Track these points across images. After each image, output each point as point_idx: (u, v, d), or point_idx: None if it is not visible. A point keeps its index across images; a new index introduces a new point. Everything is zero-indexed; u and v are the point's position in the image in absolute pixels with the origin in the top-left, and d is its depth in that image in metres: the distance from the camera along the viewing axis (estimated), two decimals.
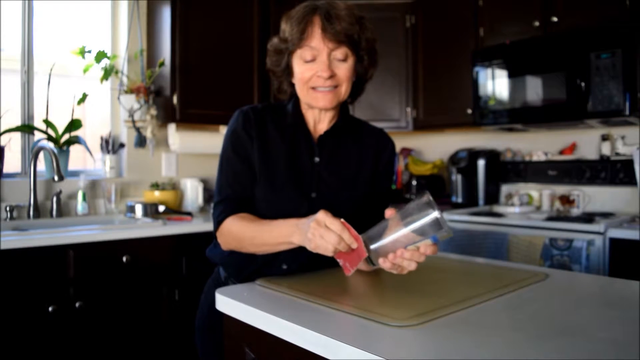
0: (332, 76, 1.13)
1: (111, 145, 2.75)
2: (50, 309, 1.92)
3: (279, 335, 0.88)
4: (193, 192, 2.89)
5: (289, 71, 1.20)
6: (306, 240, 0.98)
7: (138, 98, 2.66)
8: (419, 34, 3.14)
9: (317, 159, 1.21)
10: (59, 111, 2.62)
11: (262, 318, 0.92)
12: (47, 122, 2.52)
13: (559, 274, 1.21)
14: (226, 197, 1.18)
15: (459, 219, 2.62)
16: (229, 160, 1.20)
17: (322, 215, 0.95)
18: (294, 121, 1.22)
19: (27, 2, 2.53)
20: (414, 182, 3.27)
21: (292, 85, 1.23)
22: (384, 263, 0.94)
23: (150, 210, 2.55)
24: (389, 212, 0.94)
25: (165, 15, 2.71)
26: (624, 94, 2.22)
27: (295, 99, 1.24)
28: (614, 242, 2.11)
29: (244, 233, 1.13)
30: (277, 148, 1.20)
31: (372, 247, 0.94)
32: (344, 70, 1.14)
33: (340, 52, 1.12)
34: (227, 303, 1.03)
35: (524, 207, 2.76)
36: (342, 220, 0.95)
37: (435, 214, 0.86)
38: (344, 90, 1.17)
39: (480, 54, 2.74)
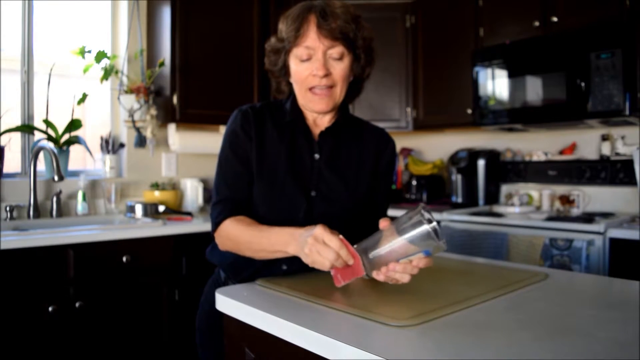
0: (328, 75, 1.12)
1: (111, 145, 2.75)
2: (50, 309, 1.92)
3: (279, 335, 0.88)
4: (193, 192, 2.89)
5: (286, 70, 1.20)
6: (303, 254, 0.98)
7: (138, 98, 2.66)
8: (419, 34, 3.14)
9: (317, 156, 1.20)
10: (59, 111, 2.62)
11: (262, 318, 0.92)
12: (47, 122, 2.52)
13: (559, 274, 1.21)
14: (224, 198, 1.18)
15: (459, 219, 2.62)
16: (227, 161, 1.20)
17: (320, 231, 0.94)
18: (293, 118, 1.22)
19: (27, 2, 2.53)
20: (414, 182, 3.27)
21: (290, 85, 1.23)
22: (377, 275, 0.93)
23: (150, 210, 2.55)
24: (384, 224, 0.93)
25: (165, 15, 2.71)
26: (624, 94, 2.22)
27: (293, 96, 1.24)
28: (614, 242, 2.11)
29: (241, 237, 1.12)
30: (277, 146, 1.19)
31: (368, 260, 0.93)
32: (339, 69, 1.14)
33: (336, 51, 1.12)
34: (227, 303, 1.03)
35: (524, 207, 2.76)
36: (340, 236, 0.94)
37: (427, 227, 0.85)
38: (340, 90, 1.16)
39: (480, 54, 2.74)
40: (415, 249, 0.88)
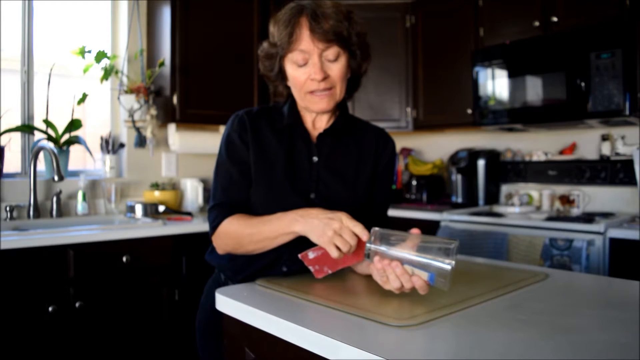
0: (326, 78, 1.12)
1: (111, 145, 2.75)
2: (50, 309, 1.92)
3: (279, 335, 0.88)
4: (193, 192, 2.89)
5: (282, 75, 1.19)
6: (317, 232, 1.00)
7: (138, 98, 2.66)
8: (419, 34, 3.14)
9: (315, 159, 1.20)
10: (59, 111, 2.62)
11: (262, 318, 0.92)
12: (47, 122, 2.52)
13: (559, 274, 1.21)
14: (220, 202, 1.19)
15: (459, 219, 2.62)
16: (223, 166, 1.21)
17: (346, 218, 0.99)
18: (290, 122, 1.22)
19: (27, 2, 2.53)
20: (414, 182, 3.27)
21: (288, 88, 1.22)
22: (377, 262, 0.93)
23: (150, 210, 2.55)
24: (416, 230, 0.96)
25: (165, 15, 2.71)
26: (624, 94, 2.22)
27: (291, 99, 1.24)
28: (614, 242, 2.11)
29: (242, 231, 1.12)
30: (274, 150, 1.19)
31: (378, 246, 0.94)
32: (336, 70, 1.13)
33: (331, 53, 1.11)
34: (227, 303, 1.03)
35: (524, 207, 2.76)
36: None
37: (446, 265, 0.87)
38: (339, 90, 1.16)
39: (480, 54, 2.74)
40: (424, 269, 0.89)
